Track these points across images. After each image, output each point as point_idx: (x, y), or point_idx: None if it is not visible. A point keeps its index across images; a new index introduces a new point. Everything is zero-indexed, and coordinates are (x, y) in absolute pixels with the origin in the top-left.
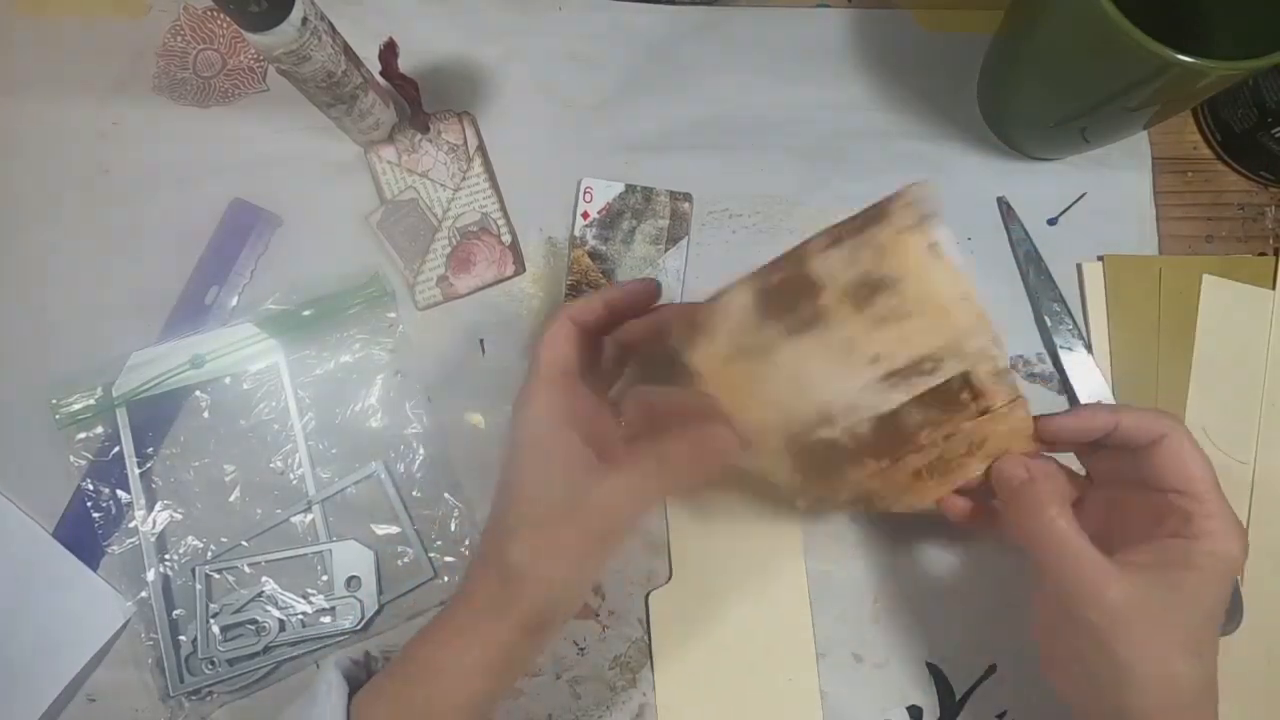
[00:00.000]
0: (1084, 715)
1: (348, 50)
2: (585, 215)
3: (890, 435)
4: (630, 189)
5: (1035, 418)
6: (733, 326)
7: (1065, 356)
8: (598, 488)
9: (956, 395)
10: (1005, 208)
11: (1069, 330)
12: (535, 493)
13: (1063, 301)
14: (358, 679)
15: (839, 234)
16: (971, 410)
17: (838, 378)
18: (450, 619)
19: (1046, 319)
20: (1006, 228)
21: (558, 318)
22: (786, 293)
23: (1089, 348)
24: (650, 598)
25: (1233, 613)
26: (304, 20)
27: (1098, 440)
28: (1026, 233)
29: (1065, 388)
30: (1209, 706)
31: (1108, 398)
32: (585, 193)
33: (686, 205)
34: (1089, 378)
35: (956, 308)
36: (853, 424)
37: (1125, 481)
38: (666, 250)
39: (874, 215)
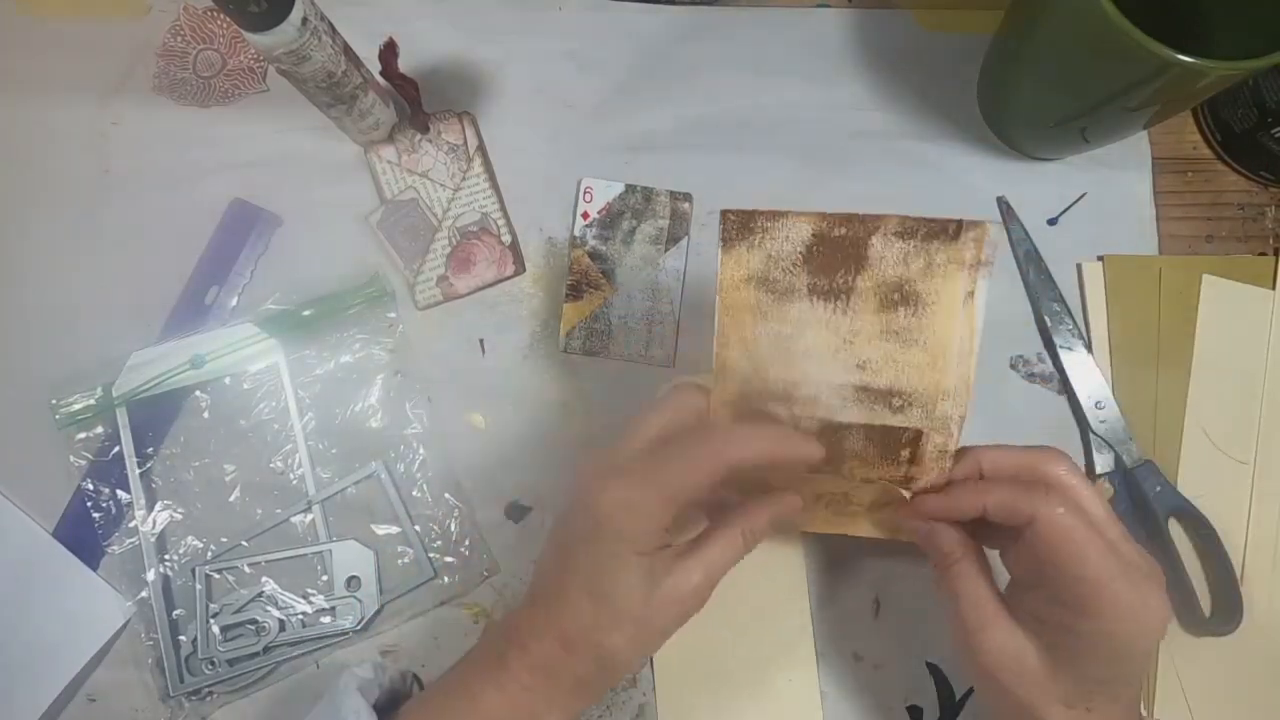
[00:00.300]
0: None
1: (348, 50)
2: (585, 215)
3: (826, 446)
4: (630, 189)
5: (913, 495)
6: (775, 250)
7: (1065, 356)
8: (689, 574)
9: (898, 449)
10: (1005, 207)
11: (1069, 330)
12: (632, 584)
13: (1062, 301)
14: (374, 697)
15: (912, 228)
16: (899, 473)
17: (821, 363)
18: (509, 683)
19: (1046, 319)
20: (1006, 227)
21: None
22: (839, 251)
23: (1089, 347)
24: None
25: (1232, 612)
26: (304, 20)
27: (979, 519)
28: (1026, 232)
29: (1065, 387)
30: None
31: (1108, 398)
32: (585, 193)
33: (686, 205)
34: (1089, 377)
35: (954, 363)
36: (803, 414)
37: (1023, 539)
38: (667, 250)
39: (945, 230)
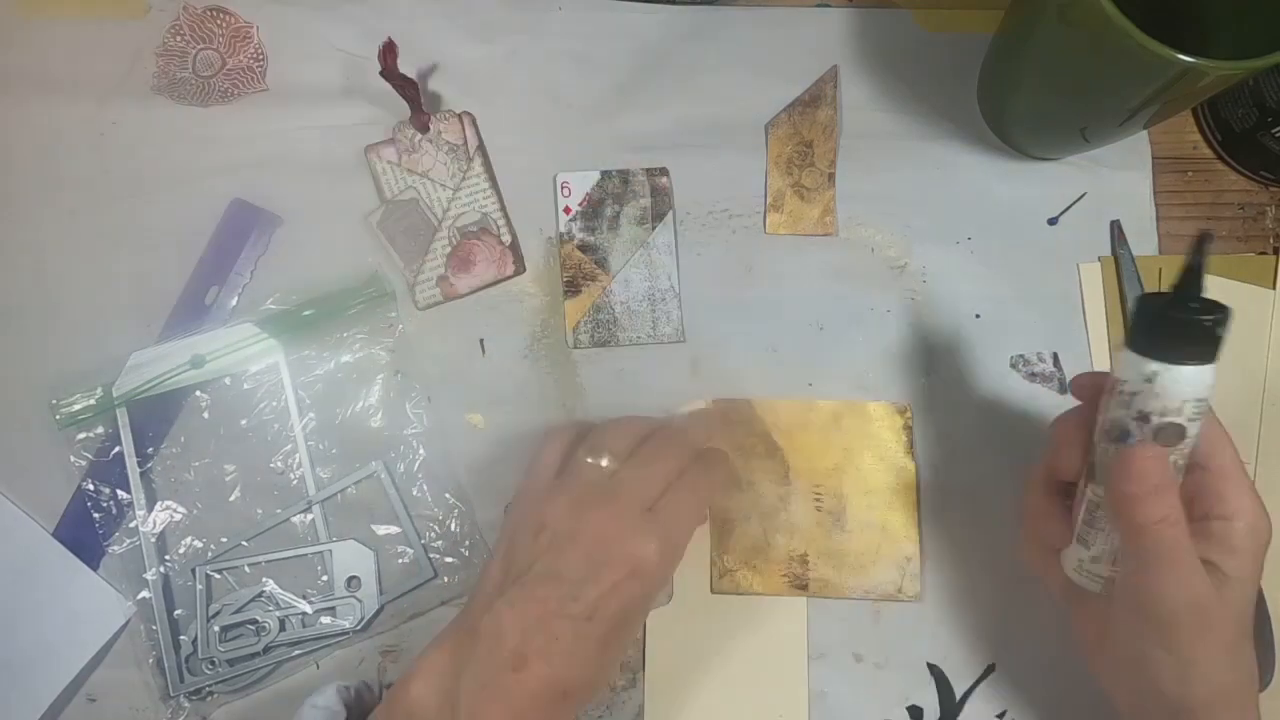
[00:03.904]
0: (1139, 713)
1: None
2: (567, 210)
3: None
4: (606, 175)
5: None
6: None
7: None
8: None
9: None
10: (1117, 231)
11: None
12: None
13: None
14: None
15: None
16: None
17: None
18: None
19: None
20: (1115, 252)
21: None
22: None
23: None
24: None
25: (1266, 669)
26: (1209, 378)
27: None
28: (1133, 260)
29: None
30: (1253, 689)
31: None
32: (563, 188)
33: (664, 179)
34: None
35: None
36: None
37: None
38: (654, 227)
39: None
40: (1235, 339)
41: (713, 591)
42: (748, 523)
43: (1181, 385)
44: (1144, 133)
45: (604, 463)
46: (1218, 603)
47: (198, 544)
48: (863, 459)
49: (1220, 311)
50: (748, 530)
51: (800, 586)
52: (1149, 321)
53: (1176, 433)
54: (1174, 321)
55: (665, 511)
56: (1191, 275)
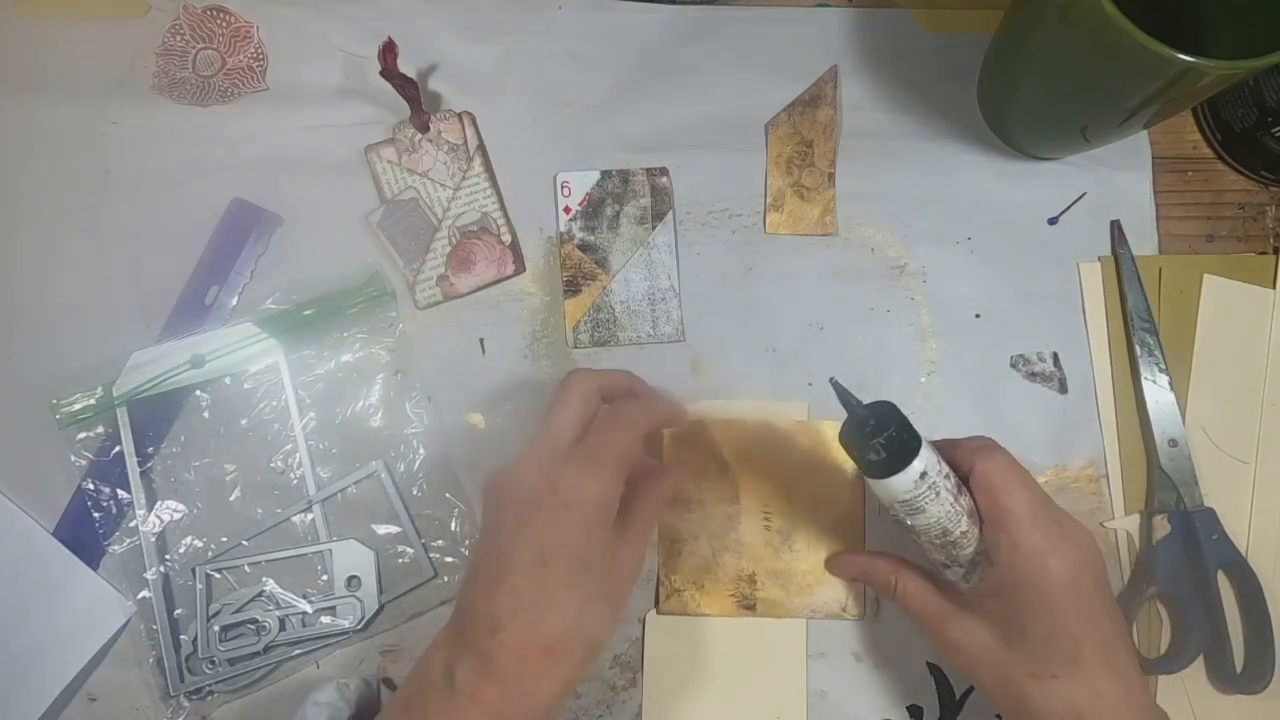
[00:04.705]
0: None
1: (972, 513)
2: (567, 210)
3: None
4: (606, 175)
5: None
6: None
7: (1147, 387)
8: (638, 541)
9: None
10: (1117, 231)
11: (1156, 363)
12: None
13: (1156, 334)
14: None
15: None
16: None
17: None
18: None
19: (1136, 346)
20: (1115, 251)
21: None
22: None
23: (1168, 376)
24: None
25: (1264, 671)
26: (922, 475)
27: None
28: (1133, 258)
29: (1142, 419)
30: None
31: (1182, 437)
32: (563, 188)
33: (664, 179)
34: (1167, 413)
35: None
36: None
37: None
38: (654, 227)
39: None
40: (1236, 338)
41: (659, 612)
42: (696, 542)
43: (882, 492)
44: (1144, 133)
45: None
46: (994, 642)
47: (198, 543)
48: (814, 478)
49: (880, 452)
50: (696, 550)
51: (748, 607)
52: (847, 451)
53: (906, 513)
54: (851, 456)
55: (588, 440)
56: (855, 421)
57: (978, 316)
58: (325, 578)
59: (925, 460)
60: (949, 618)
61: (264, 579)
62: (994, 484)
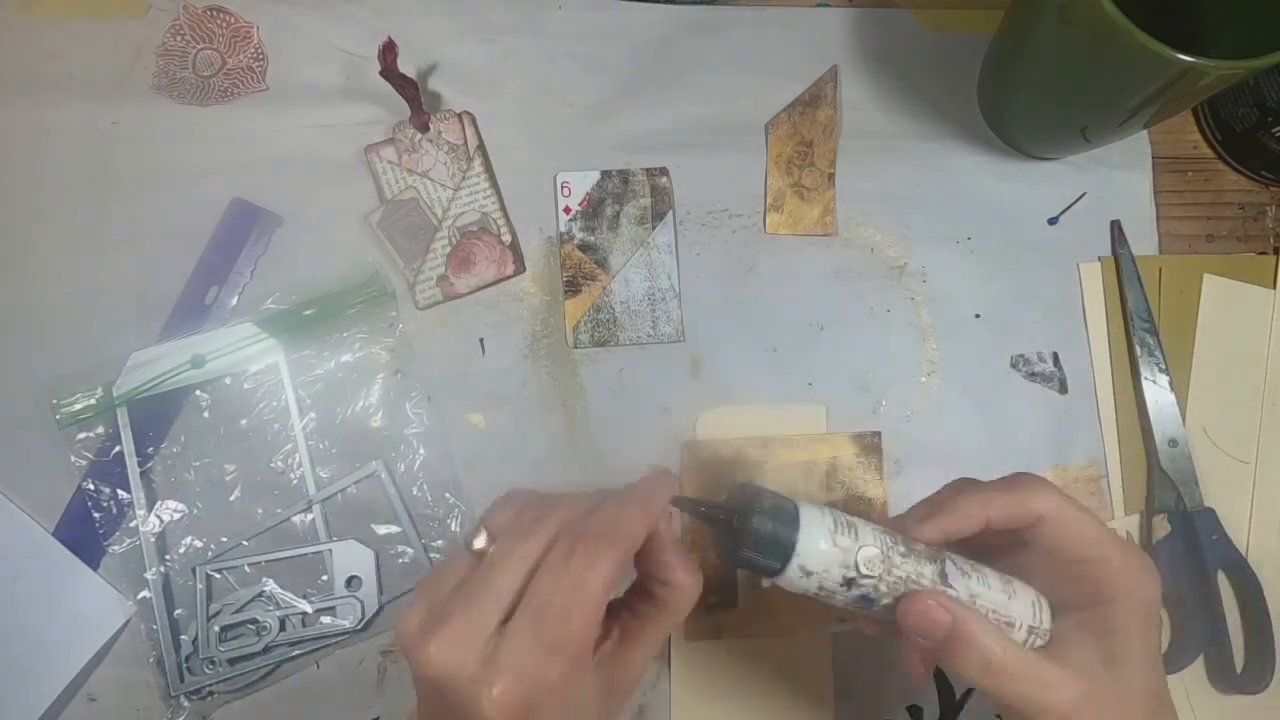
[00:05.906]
0: None
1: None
2: (567, 210)
3: None
4: (606, 175)
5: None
6: None
7: (1147, 388)
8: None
9: None
10: (1117, 231)
11: (1156, 364)
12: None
13: (1156, 334)
14: None
15: None
16: None
17: None
18: None
19: (1137, 347)
20: (1116, 250)
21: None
22: None
23: (1169, 379)
24: None
25: (1264, 671)
26: (805, 573)
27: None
28: (1133, 259)
29: (1143, 420)
30: None
31: (1182, 437)
32: (563, 188)
33: (664, 179)
34: (1167, 413)
35: None
36: None
37: (1022, 549)
38: (654, 227)
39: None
40: (1236, 338)
41: (686, 639)
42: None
43: (784, 584)
44: (1144, 133)
45: (478, 544)
46: (1107, 695)
47: (198, 543)
48: (836, 493)
49: (755, 551)
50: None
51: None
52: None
53: (826, 599)
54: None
55: (516, 626)
56: (734, 530)
57: (978, 316)
58: (325, 578)
59: (816, 551)
60: (1055, 680)
61: (264, 579)
62: (1072, 533)
